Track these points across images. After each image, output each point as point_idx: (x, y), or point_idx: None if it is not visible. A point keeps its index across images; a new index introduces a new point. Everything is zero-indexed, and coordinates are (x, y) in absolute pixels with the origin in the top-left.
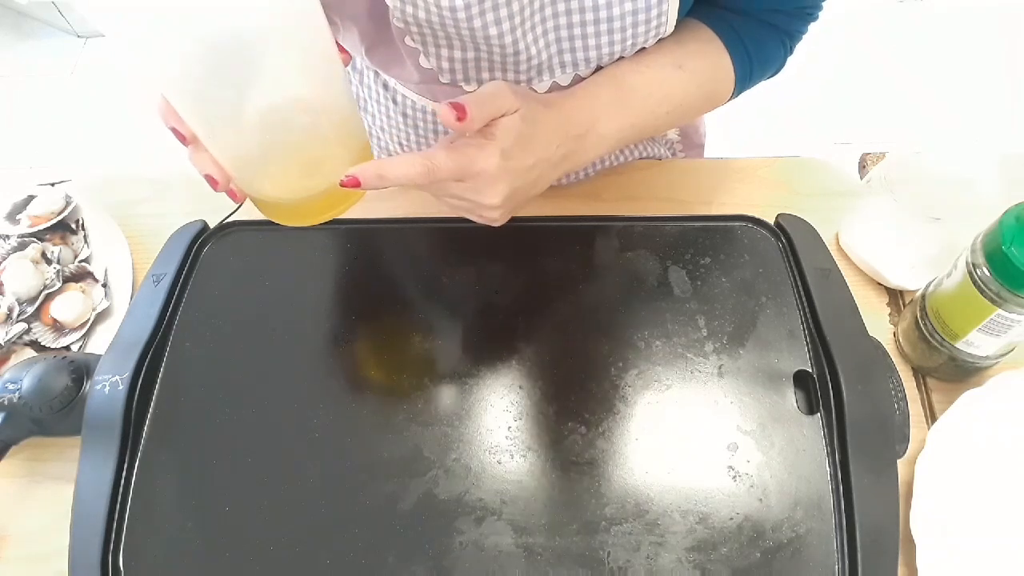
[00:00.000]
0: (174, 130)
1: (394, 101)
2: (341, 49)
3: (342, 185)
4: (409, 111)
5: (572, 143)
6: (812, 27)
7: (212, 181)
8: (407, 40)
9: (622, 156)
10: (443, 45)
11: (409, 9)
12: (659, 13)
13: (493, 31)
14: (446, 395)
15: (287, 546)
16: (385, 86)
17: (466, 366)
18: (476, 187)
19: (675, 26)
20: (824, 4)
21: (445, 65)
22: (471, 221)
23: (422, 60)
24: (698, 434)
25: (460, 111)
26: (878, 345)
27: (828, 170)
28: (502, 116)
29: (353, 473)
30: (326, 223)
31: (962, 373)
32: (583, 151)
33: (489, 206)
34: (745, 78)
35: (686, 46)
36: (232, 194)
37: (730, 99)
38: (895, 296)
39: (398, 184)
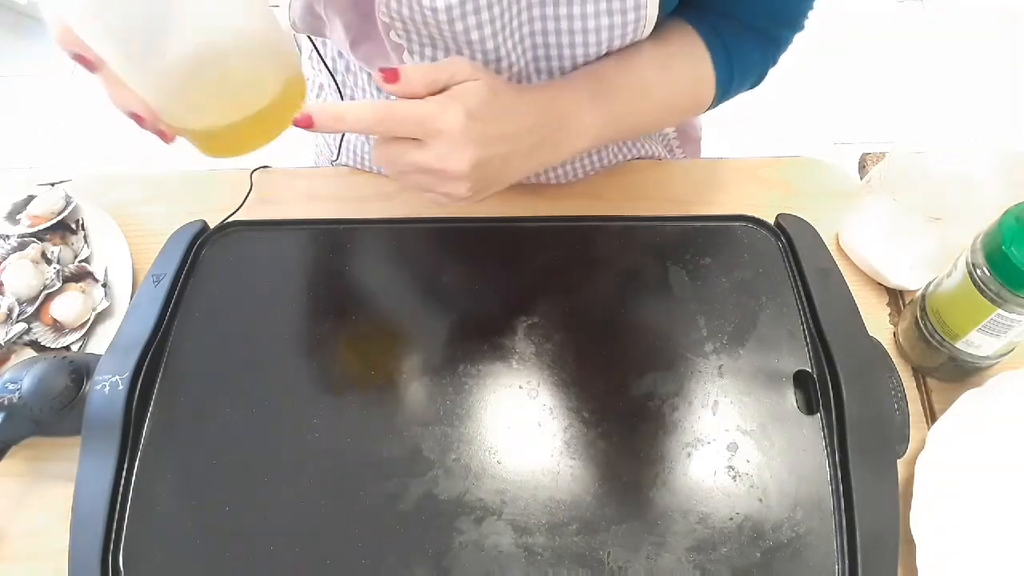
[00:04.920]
0: (79, 57)
1: (378, 90)
2: None
3: (296, 123)
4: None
5: (547, 132)
6: (813, 26)
7: (138, 119)
8: (392, 35)
9: (621, 155)
10: (427, 44)
11: (394, 5)
12: (636, 19)
13: (475, 35)
14: (446, 395)
15: (287, 546)
16: (370, 76)
17: (466, 366)
18: (440, 152)
19: (660, 25)
20: (810, 14)
21: None
22: (470, 222)
23: (406, 57)
24: (698, 434)
25: (391, 73)
26: (878, 345)
27: (828, 170)
28: (463, 81)
29: (353, 473)
30: (328, 224)
31: (962, 373)
32: (559, 144)
33: (455, 173)
34: (726, 84)
35: (670, 46)
36: (163, 135)
37: (710, 107)
38: (895, 296)
39: (353, 129)
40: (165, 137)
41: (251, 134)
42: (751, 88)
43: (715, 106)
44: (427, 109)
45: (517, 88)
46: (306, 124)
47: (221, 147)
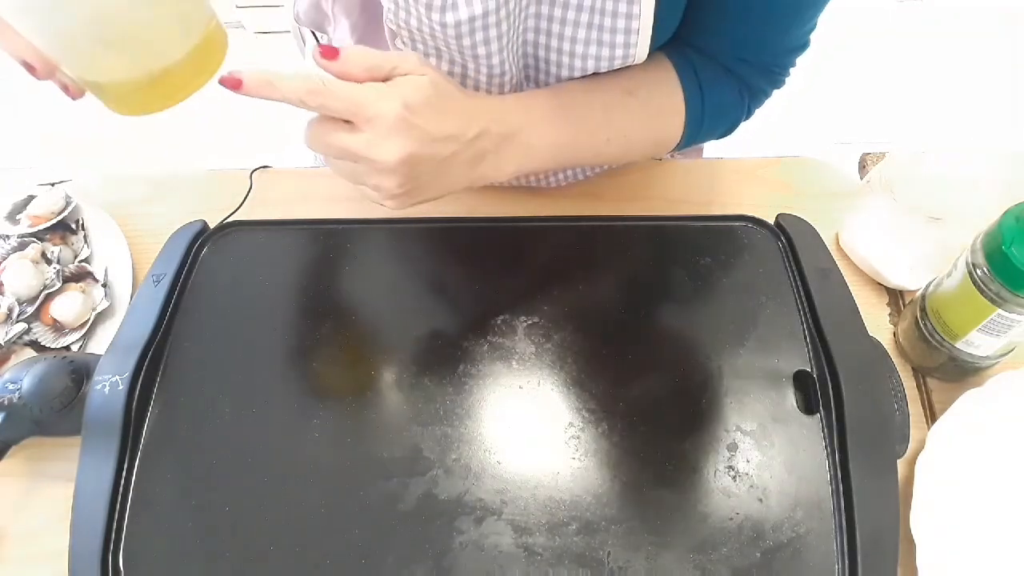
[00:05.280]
0: None
1: None
2: None
3: (222, 83)
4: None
5: (494, 141)
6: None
7: (30, 68)
8: (398, 42)
9: None
10: (432, 55)
11: (403, 15)
12: (624, 56)
13: (482, 50)
14: (446, 395)
15: (287, 546)
16: None
17: (466, 366)
18: (370, 138)
19: None
20: (791, 71)
21: None
22: (470, 222)
23: None
24: (698, 434)
25: (331, 50)
26: (878, 345)
27: (828, 170)
28: (407, 74)
29: (353, 473)
30: (328, 224)
31: (962, 373)
32: (506, 156)
33: (383, 164)
34: (696, 122)
35: (643, 74)
36: (66, 88)
37: (678, 146)
38: (895, 296)
39: (283, 99)
40: (69, 92)
41: (164, 90)
42: (722, 136)
43: (684, 145)
44: (363, 92)
45: (468, 93)
46: (233, 85)
47: (131, 104)
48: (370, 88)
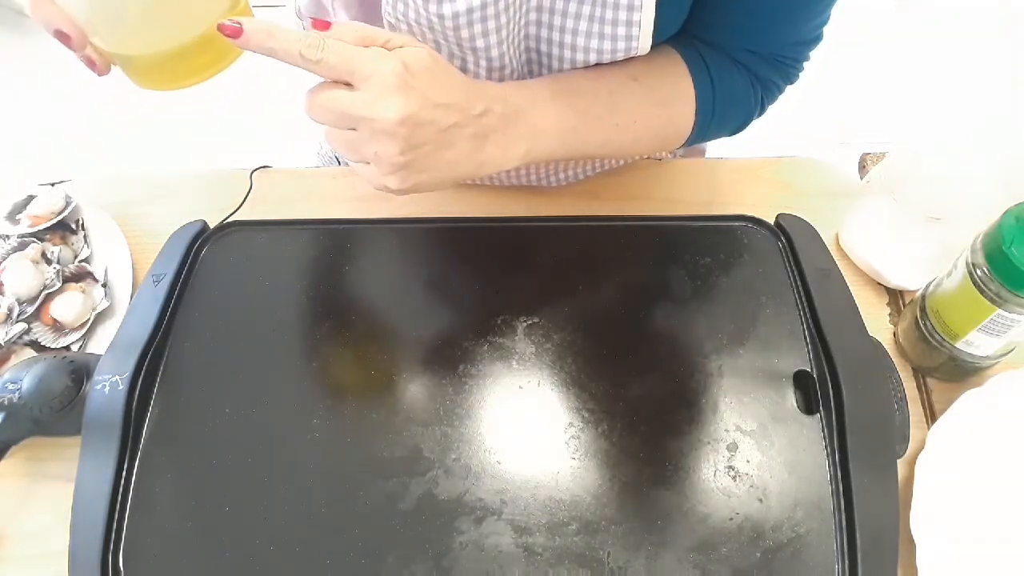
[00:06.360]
0: None
1: None
2: None
3: (219, 28)
4: None
5: (498, 121)
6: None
7: (64, 38)
8: None
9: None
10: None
11: (400, 7)
12: (627, 48)
13: (480, 43)
14: (446, 395)
15: (287, 546)
16: None
17: (466, 366)
18: (368, 97)
19: None
20: (804, 64)
21: None
22: (470, 222)
23: None
24: (698, 434)
25: (323, 23)
26: (878, 345)
27: (828, 170)
28: (403, 46)
29: (353, 473)
30: (328, 224)
31: (962, 373)
32: (513, 136)
33: (383, 124)
34: (707, 111)
35: (648, 62)
36: (92, 63)
37: (691, 138)
38: (895, 296)
39: (281, 51)
40: (96, 67)
41: (191, 64)
42: (734, 131)
43: (696, 137)
44: (362, 51)
45: (467, 75)
46: (233, 33)
47: (158, 77)
48: (370, 49)
